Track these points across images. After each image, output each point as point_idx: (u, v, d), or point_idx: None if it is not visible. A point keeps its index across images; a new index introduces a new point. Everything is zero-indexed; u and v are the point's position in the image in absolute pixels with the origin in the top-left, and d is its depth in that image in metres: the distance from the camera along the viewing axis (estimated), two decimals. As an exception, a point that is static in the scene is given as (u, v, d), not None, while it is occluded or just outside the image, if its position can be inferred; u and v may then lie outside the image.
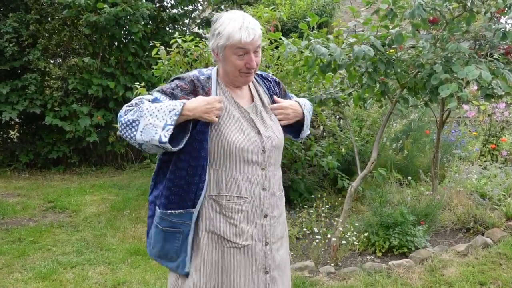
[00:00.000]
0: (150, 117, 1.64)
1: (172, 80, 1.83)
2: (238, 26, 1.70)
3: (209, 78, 1.84)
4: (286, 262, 2.01)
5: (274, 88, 2.01)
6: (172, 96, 1.74)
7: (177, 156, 1.75)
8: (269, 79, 2.04)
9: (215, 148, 1.77)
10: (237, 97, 1.87)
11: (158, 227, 1.83)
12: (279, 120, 1.94)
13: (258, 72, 2.01)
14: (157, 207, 1.84)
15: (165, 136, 1.62)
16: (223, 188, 1.79)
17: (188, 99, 1.73)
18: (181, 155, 1.75)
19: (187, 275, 1.79)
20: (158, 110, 1.65)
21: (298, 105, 2.02)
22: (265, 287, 1.85)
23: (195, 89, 1.78)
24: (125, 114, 1.71)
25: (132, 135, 1.68)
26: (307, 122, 2.06)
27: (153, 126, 1.64)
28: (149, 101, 1.73)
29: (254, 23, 1.74)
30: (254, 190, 1.83)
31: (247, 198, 1.81)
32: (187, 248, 1.79)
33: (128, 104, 1.75)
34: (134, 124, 1.67)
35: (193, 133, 1.73)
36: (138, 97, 1.76)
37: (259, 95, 1.95)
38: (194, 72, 1.86)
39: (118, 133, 1.72)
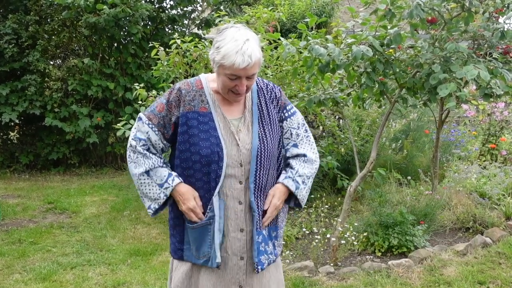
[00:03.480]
0: (141, 193, 1.85)
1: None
2: (236, 49, 1.65)
3: (199, 89, 1.84)
4: (273, 280, 1.97)
5: (271, 100, 1.93)
6: (154, 118, 1.83)
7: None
8: (268, 89, 1.94)
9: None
10: (226, 107, 1.85)
11: (189, 226, 1.84)
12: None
13: (260, 81, 1.96)
14: None
15: (149, 213, 1.88)
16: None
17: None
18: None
19: (218, 266, 1.79)
20: (145, 193, 1.84)
21: (283, 189, 1.89)
22: None
23: (179, 101, 1.83)
24: (129, 162, 1.86)
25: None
26: (300, 196, 1.92)
27: (144, 198, 1.86)
28: (140, 134, 1.85)
29: (253, 49, 1.67)
30: (229, 204, 1.81)
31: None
32: (215, 239, 1.78)
33: (129, 148, 1.86)
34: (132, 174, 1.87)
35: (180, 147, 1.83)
36: (131, 140, 1.86)
37: (259, 104, 1.90)
38: (180, 84, 1.87)
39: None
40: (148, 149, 1.84)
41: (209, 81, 1.87)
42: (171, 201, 1.87)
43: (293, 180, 1.89)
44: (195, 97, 1.82)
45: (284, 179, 1.89)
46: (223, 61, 1.67)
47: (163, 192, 1.80)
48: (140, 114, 1.86)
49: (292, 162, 1.93)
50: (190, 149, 1.78)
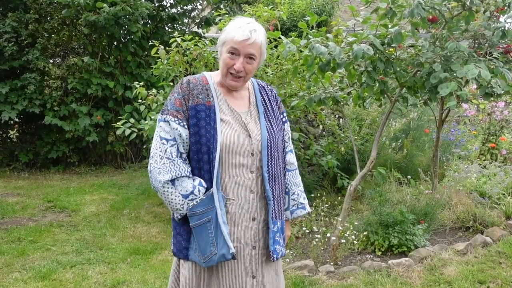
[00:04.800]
0: (164, 200, 1.82)
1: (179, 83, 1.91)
2: (238, 25, 1.78)
3: (205, 84, 1.87)
4: (280, 274, 2.01)
5: (273, 98, 2.03)
6: (178, 114, 1.81)
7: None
8: (268, 88, 2.05)
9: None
10: (231, 101, 1.90)
11: (191, 226, 1.80)
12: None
13: (260, 81, 2.05)
14: None
15: (177, 217, 1.83)
16: None
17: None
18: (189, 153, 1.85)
19: (233, 256, 1.75)
20: (169, 201, 1.80)
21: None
22: None
23: (189, 94, 1.84)
24: (153, 168, 1.79)
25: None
26: (308, 208, 2.13)
27: (168, 205, 1.82)
28: (163, 131, 1.80)
29: (255, 28, 1.79)
30: (241, 193, 1.83)
31: (234, 200, 1.82)
32: (222, 231, 1.74)
33: (156, 153, 1.80)
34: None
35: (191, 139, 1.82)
36: (157, 144, 1.81)
37: (263, 100, 1.97)
38: (188, 77, 1.90)
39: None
40: (177, 150, 1.79)
41: (213, 76, 1.93)
42: None
43: (298, 207, 2.07)
44: (202, 91, 1.85)
45: (294, 214, 2.07)
46: (227, 37, 1.80)
47: (187, 203, 1.77)
48: (161, 117, 1.82)
49: (289, 183, 2.05)
50: (200, 141, 1.79)
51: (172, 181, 1.76)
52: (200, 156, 1.80)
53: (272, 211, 1.88)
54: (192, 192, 1.76)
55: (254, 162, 1.85)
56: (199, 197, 1.76)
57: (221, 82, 1.89)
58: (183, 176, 1.77)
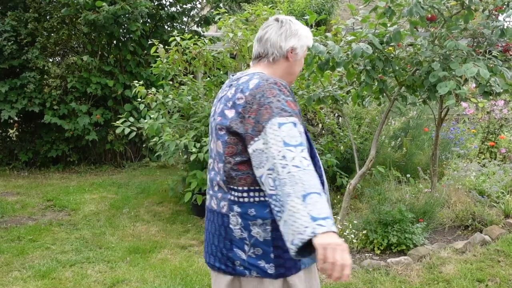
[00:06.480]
0: (286, 216, 1.40)
1: (279, 89, 1.58)
2: (308, 30, 1.80)
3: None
4: None
5: None
6: (298, 117, 1.55)
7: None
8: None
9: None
10: None
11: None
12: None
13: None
14: None
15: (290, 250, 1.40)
16: None
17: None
18: None
19: None
20: (291, 224, 1.38)
21: None
22: None
23: (294, 98, 1.64)
24: (298, 169, 1.41)
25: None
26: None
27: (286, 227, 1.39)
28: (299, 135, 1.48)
29: None
30: None
31: None
32: None
33: (301, 155, 1.44)
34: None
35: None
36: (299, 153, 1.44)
37: None
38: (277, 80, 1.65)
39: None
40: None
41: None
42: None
43: None
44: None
45: None
46: (309, 42, 1.80)
47: (314, 228, 1.33)
48: (284, 120, 1.47)
49: None
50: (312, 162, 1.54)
51: (305, 196, 1.38)
52: None
53: None
54: (324, 218, 1.39)
55: None
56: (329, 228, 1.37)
57: None
58: (322, 194, 1.44)
